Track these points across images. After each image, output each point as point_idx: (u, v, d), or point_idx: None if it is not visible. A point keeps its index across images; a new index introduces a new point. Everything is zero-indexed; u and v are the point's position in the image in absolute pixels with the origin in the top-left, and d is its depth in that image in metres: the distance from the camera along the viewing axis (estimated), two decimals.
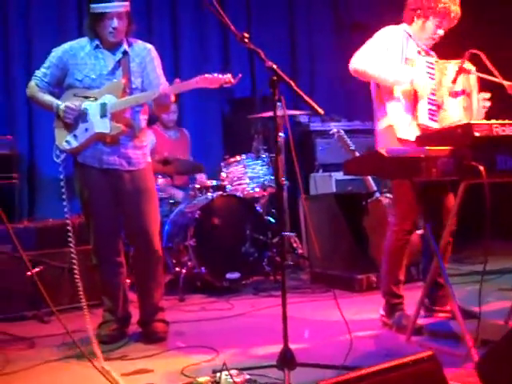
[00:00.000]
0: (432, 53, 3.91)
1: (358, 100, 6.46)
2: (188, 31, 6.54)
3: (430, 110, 3.64)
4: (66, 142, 3.69)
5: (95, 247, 3.84)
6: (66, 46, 3.75)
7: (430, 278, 3.52)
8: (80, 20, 5.78)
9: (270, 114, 5.50)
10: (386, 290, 3.88)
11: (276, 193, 5.26)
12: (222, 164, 5.57)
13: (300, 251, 5.60)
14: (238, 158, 5.51)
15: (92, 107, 3.63)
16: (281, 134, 5.53)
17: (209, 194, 5.36)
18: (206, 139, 6.56)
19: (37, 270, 4.47)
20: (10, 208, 5.07)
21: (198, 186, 5.50)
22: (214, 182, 5.49)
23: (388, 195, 5.12)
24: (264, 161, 5.49)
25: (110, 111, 3.60)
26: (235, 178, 5.46)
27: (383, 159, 3.04)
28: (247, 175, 5.46)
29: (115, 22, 3.58)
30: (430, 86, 3.65)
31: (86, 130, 3.65)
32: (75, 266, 3.81)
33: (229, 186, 5.46)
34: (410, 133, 3.61)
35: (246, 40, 2.93)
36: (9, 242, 4.46)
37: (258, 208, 5.32)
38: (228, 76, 3.49)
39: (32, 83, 3.78)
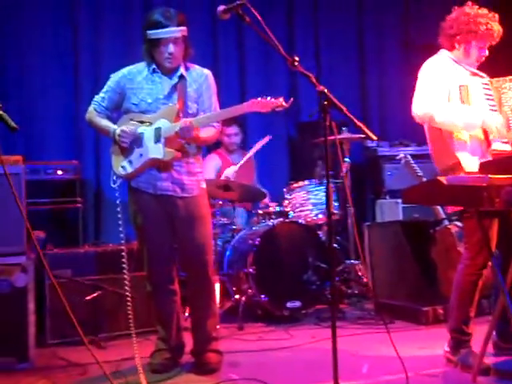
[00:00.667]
0: (482, 73, 3.72)
1: None
2: (254, 56, 6.51)
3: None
4: (122, 167, 3.68)
5: (149, 274, 3.80)
6: (124, 70, 3.76)
7: (498, 312, 3.31)
8: None
9: (333, 137, 5.39)
10: (453, 327, 3.65)
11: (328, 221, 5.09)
12: (285, 190, 5.48)
13: (365, 280, 5.42)
14: (300, 183, 5.40)
15: (147, 132, 3.61)
16: (346, 159, 5.40)
17: (271, 220, 5.27)
18: (272, 163, 6.48)
19: (94, 295, 4.50)
20: (73, 232, 5.13)
21: (260, 211, 5.42)
22: (278, 208, 5.39)
23: (458, 223, 4.88)
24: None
25: (164, 136, 3.57)
26: (298, 205, 5.35)
27: (442, 188, 2.91)
28: (310, 201, 5.34)
29: (171, 48, 3.55)
30: (500, 122, 3.46)
31: (141, 155, 3.63)
32: (127, 293, 3.81)
33: (291, 213, 5.35)
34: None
35: (296, 64, 2.84)
36: (68, 267, 4.51)
37: (320, 235, 5.18)
38: (280, 100, 3.40)
39: (91, 108, 3.81)
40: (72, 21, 5.85)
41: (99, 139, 5.76)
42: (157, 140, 3.58)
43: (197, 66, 3.78)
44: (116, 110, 3.79)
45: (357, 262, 5.45)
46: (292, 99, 3.45)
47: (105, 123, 3.75)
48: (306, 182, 5.40)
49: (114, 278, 4.50)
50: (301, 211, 5.34)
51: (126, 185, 3.77)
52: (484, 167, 3.13)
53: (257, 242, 4.95)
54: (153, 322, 4.00)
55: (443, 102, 3.49)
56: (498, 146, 3.44)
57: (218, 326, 3.95)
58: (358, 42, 7.10)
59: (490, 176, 2.83)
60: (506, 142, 3.47)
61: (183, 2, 6.09)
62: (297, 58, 2.85)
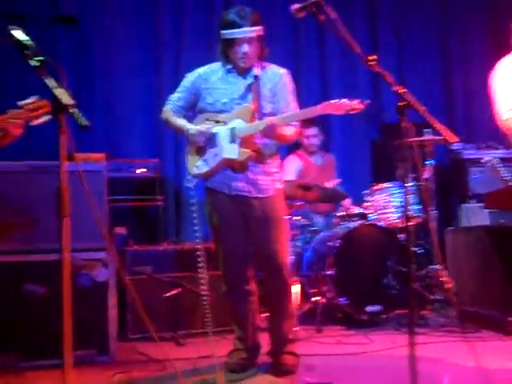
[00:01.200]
0: None
1: None
2: (336, 54, 6.42)
3: None
4: (196, 167, 3.69)
5: (224, 274, 3.79)
6: (199, 70, 3.76)
7: None
8: None
9: (418, 139, 5.27)
10: None
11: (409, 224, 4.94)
12: (367, 192, 5.37)
13: (449, 286, 5.24)
14: (382, 185, 5.29)
15: (222, 132, 3.60)
16: (429, 162, 5.25)
17: (351, 222, 5.19)
18: (354, 164, 6.38)
19: (174, 292, 4.54)
20: (153, 229, 5.19)
21: (341, 213, 5.34)
22: (358, 210, 5.30)
23: None
24: (410, 189, 5.21)
25: (239, 136, 3.55)
26: (379, 207, 5.24)
27: None
28: (391, 204, 5.22)
29: (245, 48, 3.52)
30: None
31: (216, 155, 3.62)
32: (203, 292, 3.84)
33: (372, 215, 5.25)
34: None
35: (372, 63, 2.74)
36: (148, 263, 4.57)
37: (401, 238, 5.06)
38: (355, 102, 3.30)
39: (166, 107, 3.84)
40: (155, 22, 5.92)
41: (179, 138, 5.81)
42: (232, 140, 3.57)
43: (273, 65, 3.72)
44: (191, 110, 3.79)
45: (440, 267, 5.28)
46: (369, 101, 3.35)
47: (180, 122, 3.75)
48: (388, 185, 5.28)
49: (193, 276, 4.53)
50: (382, 214, 5.23)
51: (202, 184, 3.78)
52: None
53: (337, 244, 4.89)
54: (229, 322, 4.00)
55: None
56: None
57: (295, 328, 3.91)
58: (441, 38, 6.89)
59: None
60: None
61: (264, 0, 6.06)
62: (373, 57, 2.75)
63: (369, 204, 5.31)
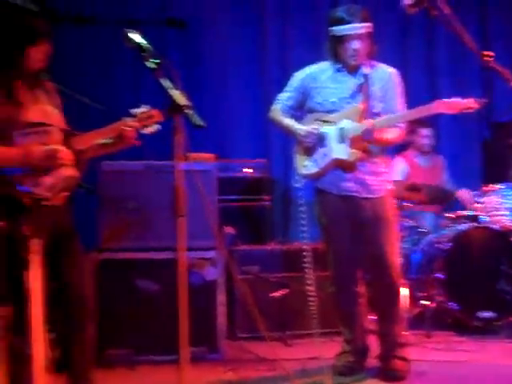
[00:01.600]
0: None
1: None
2: (444, 51, 6.23)
3: None
4: (305, 167, 3.67)
5: (333, 275, 3.76)
6: (307, 69, 3.74)
7: None
8: None
9: None
10: None
11: None
12: (477, 193, 5.20)
13: None
14: (494, 187, 5.09)
15: (331, 132, 3.57)
16: None
17: (461, 224, 5.03)
18: (464, 166, 6.16)
19: (281, 292, 4.56)
20: (261, 229, 5.22)
21: (449, 214, 5.19)
22: (469, 212, 5.13)
23: None
24: None
25: (348, 136, 3.51)
26: (491, 209, 5.05)
27: None
28: (504, 206, 5.02)
29: (356, 44, 3.48)
30: None
31: (325, 155, 3.59)
32: (310, 293, 3.83)
33: (484, 217, 5.07)
34: None
35: (488, 59, 2.64)
36: (256, 263, 4.61)
37: None
38: (470, 101, 3.22)
39: (275, 106, 3.84)
40: (260, 22, 5.96)
41: (287, 138, 5.82)
42: (341, 140, 3.53)
43: (382, 64, 3.68)
44: (300, 109, 3.77)
45: None
46: (485, 100, 3.28)
47: (288, 122, 3.75)
48: (500, 186, 5.08)
49: (300, 276, 4.52)
50: (493, 216, 5.04)
51: (310, 185, 3.77)
52: None
53: (447, 247, 4.75)
54: (336, 323, 3.97)
55: None
56: None
57: (405, 332, 3.83)
58: None
59: None
60: None
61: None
62: (489, 53, 2.65)
63: (480, 206, 5.13)
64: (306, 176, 3.70)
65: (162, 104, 3.09)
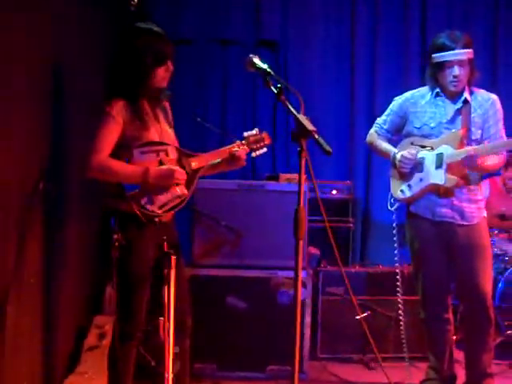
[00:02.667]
0: None
1: None
2: None
3: None
4: (401, 191, 3.69)
5: (423, 301, 3.75)
6: (407, 94, 3.77)
7: None
8: (422, 70, 5.80)
9: None
10: None
11: None
12: None
13: None
14: None
15: (428, 157, 3.58)
16: None
17: None
18: None
19: (365, 314, 4.55)
20: (344, 251, 5.23)
21: None
22: None
23: None
24: None
25: (447, 162, 3.51)
26: None
27: None
28: None
29: (456, 71, 3.48)
30: None
31: (421, 179, 3.60)
32: (401, 317, 3.82)
33: None
34: None
35: None
36: (341, 285, 4.62)
37: None
38: None
39: (372, 130, 3.89)
40: (350, 54, 5.98)
41: (371, 161, 5.84)
42: (438, 165, 3.54)
43: (482, 91, 3.67)
44: (397, 133, 3.81)
45: None
46: None
47: (385, 146, 3.80)
48: None
49: (383, 299, 4.53)
50: None
51: (403, 208, 3.78)
52: None
53: None
54: (420, 348, 3.95)
55: None
56: None
57: None
58: None
59: None
60: None
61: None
62: None
63: None
64: (400, 200, 3.73)
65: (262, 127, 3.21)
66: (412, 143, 3.66)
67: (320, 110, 5.78)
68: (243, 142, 3.07)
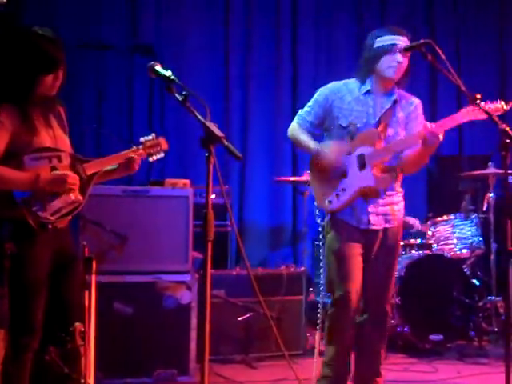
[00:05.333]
0: None
1: None
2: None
3: None
4: (329, 202, 3.47)
5: (336, 298, 3.50)
6: (333, 86, 3.55)
7: None
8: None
9: (480, 172, 5.40)
10: None
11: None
12: (429, 223, 5.49)
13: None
14: (445, 217, 5.40)
15: (349, 160, 3.43)
16: (490, 195, 5.38)
17: (413, 251, 5.31)
18: (410, 196, 6.45)
19: (247, 316, 4.68)
20: (223, 255, 5.33)
21: (402, 242, 5.45)
22: (419, 240, 5.41)
23: None
24: (473, 221, 5.34)
25: (370, 162, 3.38)
26: (442, 238, 5.35)
27: None
28: (455, 235, 5.33)
29: (399, 57, 3.34)
30: None
31: (348, 186, 3.43)
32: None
33: (435, 245, 5.36)
34: None
35: (478, 102, 2.89)
36: (222, 288, 4.71)
37: (465, 270, 5.17)
38: (499, 103, 3.12)
39: (294, 123, 3.63)
40: (225, 56, 6.14)
41: (245, 167, 6.02)
42: (362, 167, 3.40)
43: (407, 94, 3.58)
44: (320, 127, 3.57)
45: (498, 298, 5.37)
46: None
47: (305, 138, 3.55)
48: (452, 216, 5.39)
49: (264, 300, 4.65)
50: (445, 244, 5.34)
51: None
52: None
53: (402, 273, 4.99)
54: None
55: None
56: None
57: None
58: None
59: None
60: None
61: None
62: (478, 96, 2.90)
63: (431, 235, 5.42)
64: (329, 211, 3.50)
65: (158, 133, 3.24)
66: (334, 143, 3.48)
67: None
68: (140, 147, 3.08)
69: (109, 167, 3.02)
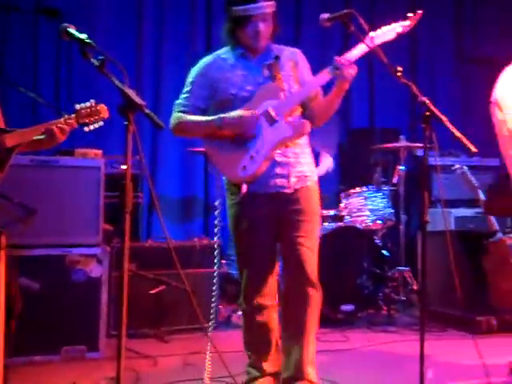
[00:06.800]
0: None
1: (478, 135, 6.30)
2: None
3: None
4: (243, 168, 3.08)
5: (245, 290, 3.26)
6: (206, 60, 3.27)
7: None
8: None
9: (392, 145, 5.50)
10: None
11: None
12: (342, 195, 5.55)
13: (414, 287, 5.48)
14: (358, 189, 5.47)
15: (259, 120, 3.09)
16: (401, 167, 5.50)
17: (326, 223, 5.35)
18: None
19: (159, 289, 4.59)
20: (134, 227, 5.19)
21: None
22: (332, 212, 5.46)
23: None
24: (384, 193, 5.43)
25: (279, 113, 3.08)
26: (355, 210, 5.42)
27: None
28: (367, 207, 5.41)
29: (260, 25, 3.11)
30: None
31: (262, 146, 3.08)
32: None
33: (347, 217, 5.43)
34: None
35: (399, 74, 2.88)
36: (133, 260, 4.59)
37: (376, 241, 5.26)
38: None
39: (177, 114, 3.24)
40: (137, 20, 5.95)
41: (156, 137, 5.89)
42: (273, 122, 3.08)
43: (285, 47, 3.32)
44: (206, 111, 3.22)
45: (406, 268, 5.52)
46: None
47: (201, 118, 3.18)
48: (364, 188, 5.46)
49: (177, 273, 4.58)
50: (357, 216, 5.41)
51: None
52: None
53: None
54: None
55: None
56: None
57: None
58: (411, 49, 7.16)
59: None
60: None
61: None
62: (400, 68, 2.89)
63: (344, 206, 5.47)
64: (243, 180, 3.09)
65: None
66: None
67: (104, 82, 5.67)
68: (72, 115, 2.90)
69: (38, 137, 2.83)
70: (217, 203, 3.84)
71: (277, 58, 3.20)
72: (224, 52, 3.27)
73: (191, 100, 3.22)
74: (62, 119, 2.90)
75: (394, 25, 3.05)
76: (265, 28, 3.14)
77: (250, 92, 3.14)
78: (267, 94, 3.12)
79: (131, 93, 2.15)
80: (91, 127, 2.95)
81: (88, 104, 2.95)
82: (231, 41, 3.22)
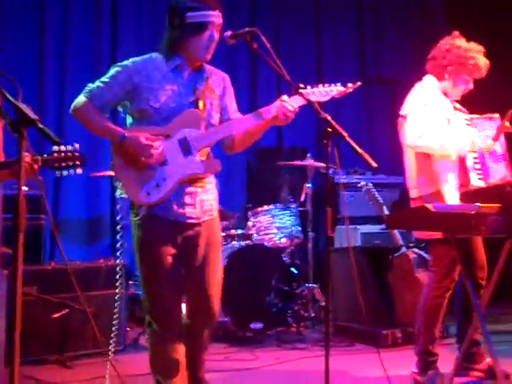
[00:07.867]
0: (464, 109, 3.92)
1: (384, 153, 6.49)
2: None
3: (476, 169, 3.66)
4: (147, 194, 2.95)
5: (154, 314, 3.10)
6: (135, 64, 3.02)
7: (470, 335, 3.49)
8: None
9: (297, 163, 5.55)
10: (421, 349, 3.81)
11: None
12: (250, 213, 5.56)
13: (323, 303, 5.53)
14: (265, 207, 5.49)
15: (168, 146, 2.96)
16: (308, 185, 5.55)
17: (234, 242, 5.33)
18: (230, 187, 6.54)
19: (62, 313, 4.43)
20: (37, 249, 5.02)
21: (223, 233, 5.46)
22: (239, 231, 5.46)
23: (416, 250, 5.09)
24: (292, 211, 5.48)
25: (197, 147, 2.97)
26: (262, 228, 5.44)
27: (429, 215, 3.02)
28: (275, 225, 5.43)
29: (216, 35, 2.97)
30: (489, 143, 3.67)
31: (171, 174, 2.96)
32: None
33: (255, 235, 5.43)
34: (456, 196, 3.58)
35: (301, 91, 2.90)
36: (34, 284, 4.42)
37: (284, 258, 5.29)
38: (330, 87, 3.03)
39: (84, 98, 2.98)
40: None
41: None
42: (187, 153, 2.97)
43: (214, 68, 3.19)
44: (111, 110, 3.07)
45: (315, 285, 5.56)
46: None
47: (109, 125, 2.99)
48: (272, 206, 5.49)
49: (82, 295, 4.44)
50: (265, 234, 5.42)
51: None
52: (466, 196, 3.31)
53: (224, 264, 4.97)
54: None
55: (433, 129, 3.61)
56: (475, 182, 3.63)
57: None
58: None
59: (478, 204, 2.97)
60: (481, 180, 3.66)
61: None
62: (302, 85, 2.91)
63: (252, 225, 5.48)
64: (145, 205, 2.97)
65: None
66: (146, 129, 2.96)
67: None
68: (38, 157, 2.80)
69: None
70: (119, 225, 3.73)
71: (207, 78, 3.09)
72: (158, 58, 3.04)
73: (104, 93, 2.98)
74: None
75: (331, 87, 3.01)
76: (217, 39, 3.00)
77: (171, 110, 2.97)
78: (188, 121, 2.98)
79: (24, 107, 2.06)
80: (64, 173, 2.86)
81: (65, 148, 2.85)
82: (171, 50, 3.02)
